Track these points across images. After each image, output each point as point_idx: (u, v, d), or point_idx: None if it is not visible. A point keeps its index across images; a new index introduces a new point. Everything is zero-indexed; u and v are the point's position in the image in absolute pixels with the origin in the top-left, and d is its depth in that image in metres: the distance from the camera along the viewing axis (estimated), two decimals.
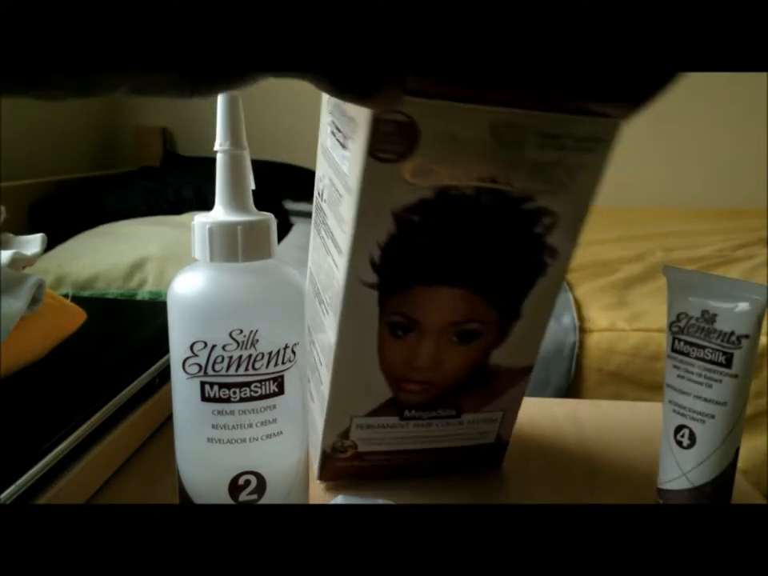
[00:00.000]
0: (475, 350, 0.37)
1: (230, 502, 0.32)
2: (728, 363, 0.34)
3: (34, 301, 0.43)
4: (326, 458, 0.40)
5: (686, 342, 0.36)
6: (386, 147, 0.30)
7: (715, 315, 0.35)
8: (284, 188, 1.81)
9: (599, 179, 0.32)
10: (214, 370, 0.30)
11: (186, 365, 0.31)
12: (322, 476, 0.41)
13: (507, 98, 0.30)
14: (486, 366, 0.38)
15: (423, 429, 0.40)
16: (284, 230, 1.61)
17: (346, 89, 0.23)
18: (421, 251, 0.34)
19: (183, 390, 0.31)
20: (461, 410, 0.40)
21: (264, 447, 0.32)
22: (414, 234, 0.33)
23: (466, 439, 0.41)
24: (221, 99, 0.30)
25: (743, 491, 0.42)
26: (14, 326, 0.41)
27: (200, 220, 0.31)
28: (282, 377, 0.31)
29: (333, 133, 0.35)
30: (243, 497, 0.32)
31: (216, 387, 0.31)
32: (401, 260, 0.34)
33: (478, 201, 0.32)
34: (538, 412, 0.52)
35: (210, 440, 0.31)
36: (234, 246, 0.30)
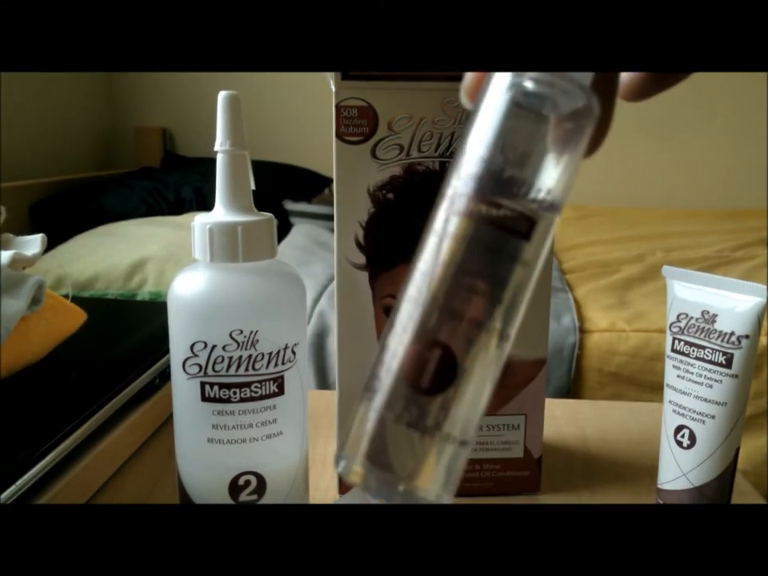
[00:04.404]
0: None
1: (230, 502, 0.32)
2: (728, 363, 0.34)
3: (35, 301, 0.43)
4: None
5: (686, 343, 0.36)
6: (350, 130, 0.35)
7: (715, 315, 0.35)
8: (284, 189, 1.81)
9: None
10: (214, 370, 0.30)
11: (187, 365, 0.31)
12: (342, 489, 0.40)
13: (452, 74, 0.33)
14: None
15: None
16: (284, 230, 1.61)
17: None
18: (399, 228, 0.36)
19: (183, 390, 0.31)
20: None
21: (264, 447, 0.32)
22: (391, 211, 0.36)
23: (490, 450, 0.40)
24: (221, 99, 0.30)
25: (743, 492, 0.42)
26: (15, 327, 0.41)
27: (200, 220, 0.31)
28: (282, 377, 0.31)
29: None
30: (243, 497, 0.32)
31: (216, 387, 0.31)
32: (382, 238, 0.36)
33: (444, 175, 0.36)
34: None
35: (210, 440, 0.31)
36: (234, 246, 0.30)
